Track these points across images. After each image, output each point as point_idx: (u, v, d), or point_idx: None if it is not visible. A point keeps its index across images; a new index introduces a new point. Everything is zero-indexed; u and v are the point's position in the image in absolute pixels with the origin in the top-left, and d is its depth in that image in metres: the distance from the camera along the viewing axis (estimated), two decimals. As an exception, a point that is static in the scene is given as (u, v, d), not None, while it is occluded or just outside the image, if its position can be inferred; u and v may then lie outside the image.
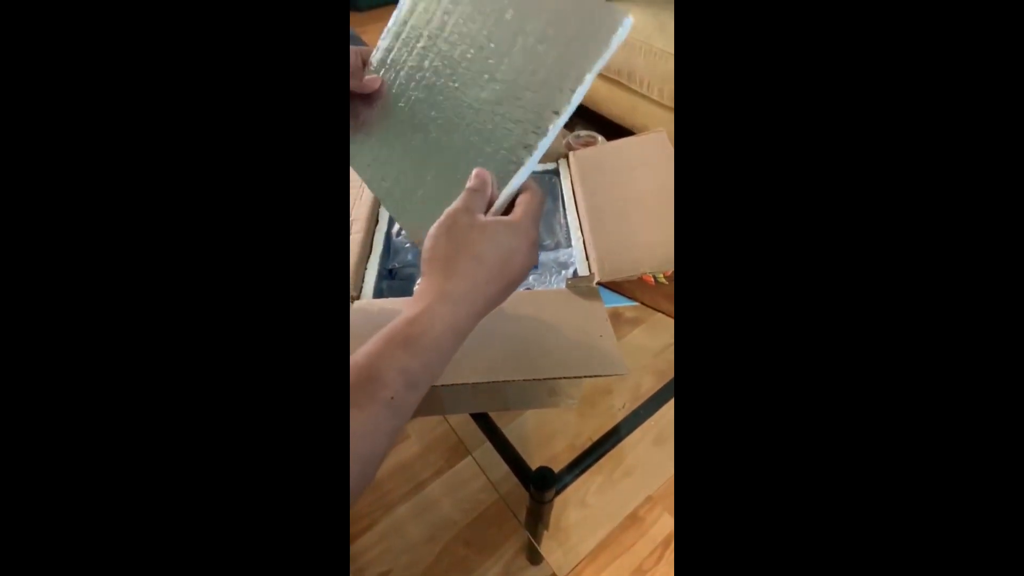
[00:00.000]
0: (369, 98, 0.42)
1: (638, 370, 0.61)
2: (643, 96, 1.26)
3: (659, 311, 0.64)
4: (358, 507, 0.79)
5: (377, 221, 0.52)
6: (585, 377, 0.40)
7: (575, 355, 0.41)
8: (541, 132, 0.33)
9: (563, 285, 0.46)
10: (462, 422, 0.73)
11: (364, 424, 0.25)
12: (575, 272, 0.48)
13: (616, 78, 1.29)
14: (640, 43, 1.18)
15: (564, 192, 0.56)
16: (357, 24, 1.77)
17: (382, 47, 0.43)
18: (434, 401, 0.49)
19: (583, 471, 0.53)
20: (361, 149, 0.41)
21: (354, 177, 0.56)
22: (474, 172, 0.34)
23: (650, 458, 0.73)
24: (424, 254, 0.32)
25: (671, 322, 0.64)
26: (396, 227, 0.53)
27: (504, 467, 0.53)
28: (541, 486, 0.51)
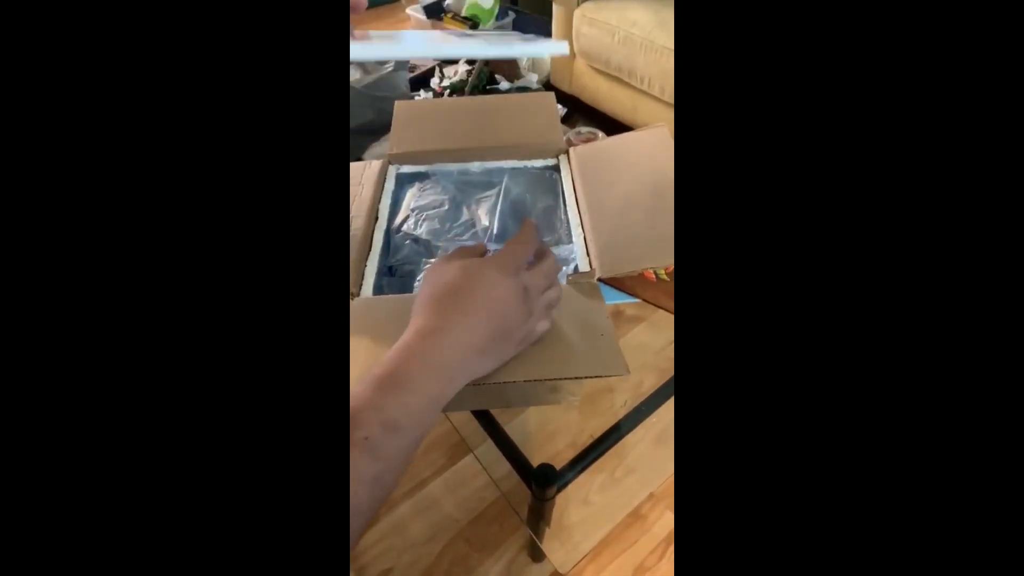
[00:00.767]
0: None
1: (640, 368, 0.61)
2: (644, 93, 1.25)
3: (661, 308, 0.63)
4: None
5: (376, 218, 0.52)
6: (586, 378, 0.40)
7: (576, 355, 0.41)
8: None
9: (563, 282, 0.46)
10: (464, 420, 0.73)
11: None
12: (576, 268, 0.47)
13: (617, 75, 1.29)
14: (641, 40, 1.18)
15: (564, 188, 0.56)
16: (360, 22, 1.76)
17: None
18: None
19: (584, 469, 0.53)
20: None
21: (354, 174, 0.55)
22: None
23: (652, 456, 0.73)
24: (421, 291, 0.31)
25: (672, 319, 0.63)
26: (396, 223, 0.53)
27: (506, 465, 0.53)
28: (543, 483, 0.51)
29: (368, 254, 0.49)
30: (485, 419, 0.55)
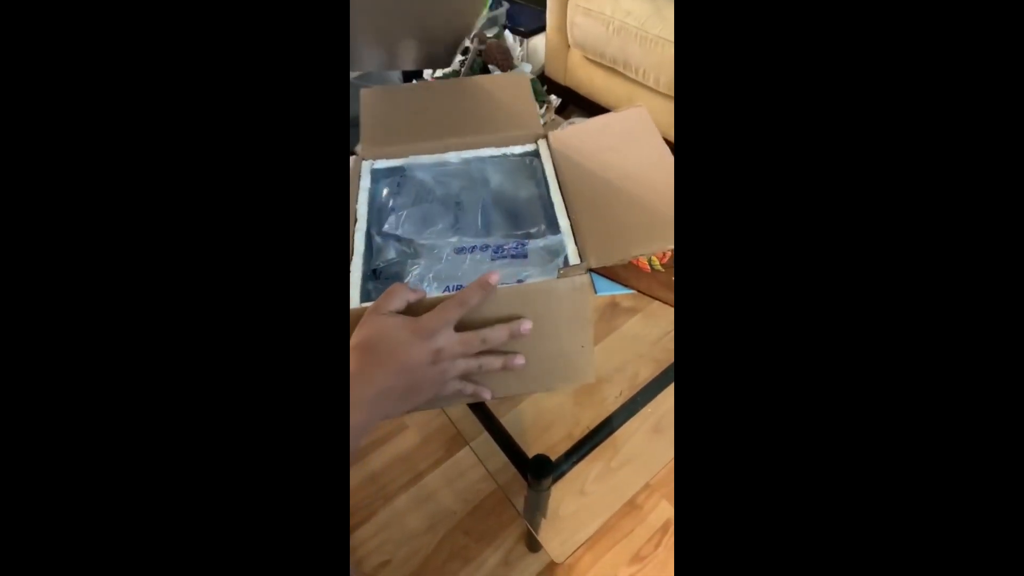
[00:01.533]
0: None
1: (635, 359, 0.62)
2: (640, 84, 1.25)
3: (656, 299, 0.64)
4: (357, 498, 0.79)
5: (356, 220, 0.49)
6: (555, 388, 0.41)
7: (551, 368, 0.41)
8: None
9: (554, 275, 0.45)
10: (460, 413, 0.73)
11: None
12: (566, 260, 0.46)
13: (612, 66, 1.28)
14: (636, 30, 1.17)
15: (547, 174, 0.54)
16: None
17: None
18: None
19: (580, 459, 0.53)
20: None
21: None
22: None
23: (647, 446, 0.73)
24: (356, 333, 0.37)
25: (668, 310, 0.64)
26: (377, 224, 0.51)
27: (502, 457, 0.53)
28: (538, 474, 0.51)
29: (351, 259, 0.46)
30: (481, 411, 0.55)
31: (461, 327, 0.38)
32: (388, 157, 0.56)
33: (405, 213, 0.52)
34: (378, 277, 0.50)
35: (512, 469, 0.52)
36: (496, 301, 0.41)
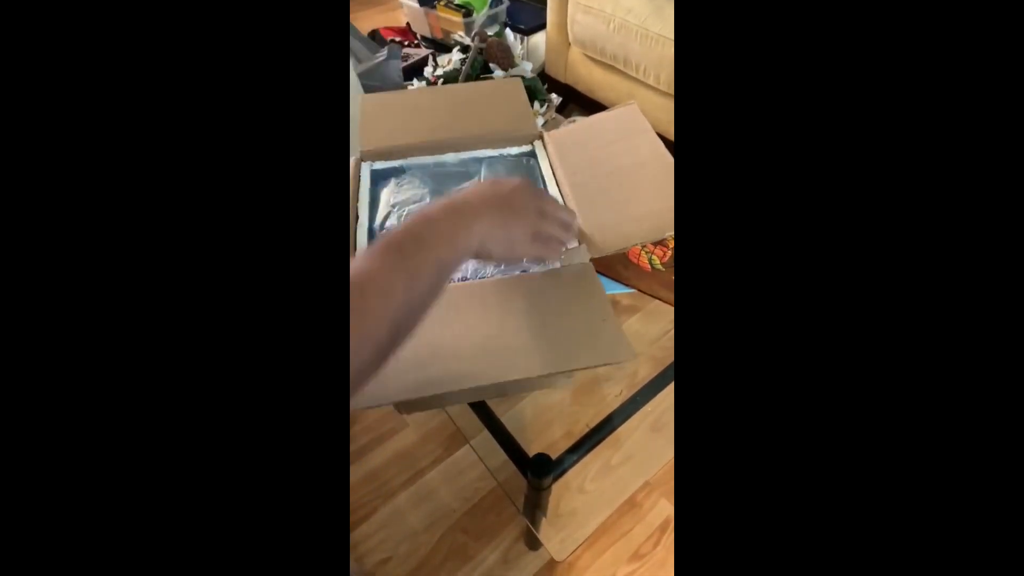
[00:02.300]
0: None
1: (635, 358, 0.62)
2: (640, 82, 1.24)
3: (656, 298, 0.64)
4: (357, 496, 0.79)
5: (358, 217, 0.51)
6: (596, 367, 0.40)
7: (581, 344, 0.41)
8: None
9: (557, 264, 0.46)
10: (460, 411, 0.73)
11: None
12: (565, 249, 0.48)
13: (612, 63, 1.28)
14: (636, 27, 1.17)
15: (544, 173, 0.56)
16: (352, 10, 1.75)
17: None
18: (433, 397, 0.49)
19: (580, 458, 0.53)
20: None
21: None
22: None
23: (647, 444, 0.73)
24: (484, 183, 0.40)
25: (668, 309, 0.64)
26: (377, 222, 0.52)
27: (502, 455, 0.53)
28: (539, 473, 0.51)
29: (354, 254, 0.48)
30: (481, 410, 0.55)
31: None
32: (387, 159, 0.57)
33: (406, 211, 0.53)
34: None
35: (511, 467, 0.52)
36: (503, 290, 0.42)
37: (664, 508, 0.78)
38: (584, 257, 0.46)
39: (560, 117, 1.09)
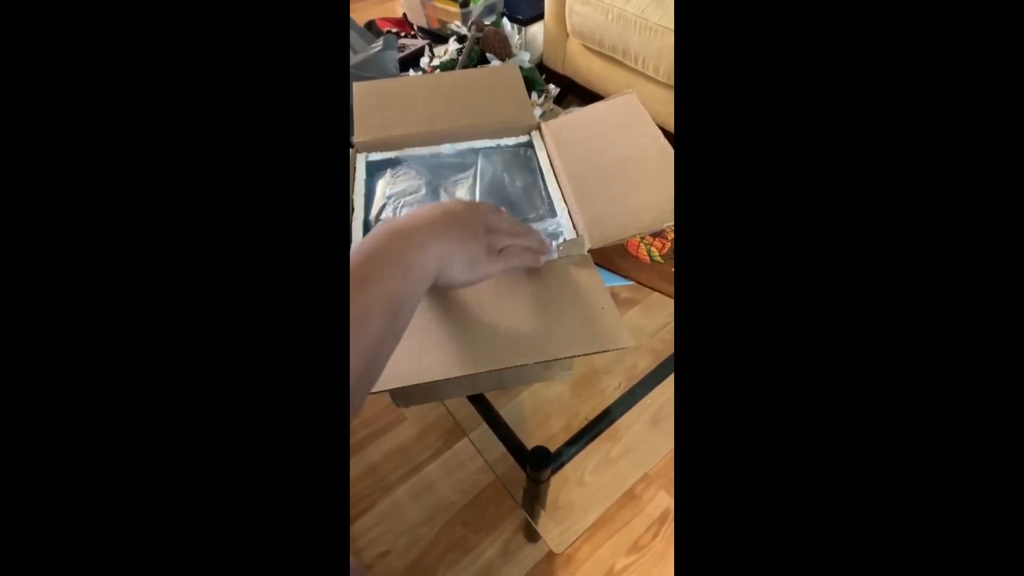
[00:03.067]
0: None
1: (634, 350, 0.61)
2: (639, 73, 1.23)
3: (655, 290, 0.63)
4: (356, 489, 0.79)
5: (353, 209, 0.51)
6: (592, 354, 0.39)
7: (579, 332, 0.40)
8: None
9: (555, 255, 0.46)
10: (459, 404, 0.73)
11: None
12: (564, 240, 0.47)
13: (611, 54, 1.27)
14: (635, 17, 1.16)
15: (541, 163, 0.55)
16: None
17: None
18: (430, 389, 0.49)
19: (579, 450, 0.53)
20: None
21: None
22: None
23: (646, 437, 0.73)
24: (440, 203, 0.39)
25: (667, 301, 0.63)
26: (373, 213, 0.52)
27: (501, 448, 0.53)
28: (537, 466, 0.51)
29: (349, 248, 0.48)
30: (480, 402, 0.55)
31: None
32: (382, 150, 0.56)
33: (402, 202, 0.52)
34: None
35: (510, 460, 0.52)
36: (500, 281, 0.42)
37: (663, 500, 0.78)
38: (582, 248, 0.46)
39: (558, 108, 1.08)
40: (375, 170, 0.56)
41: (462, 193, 0.54)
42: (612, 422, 0.55)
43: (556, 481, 0.58)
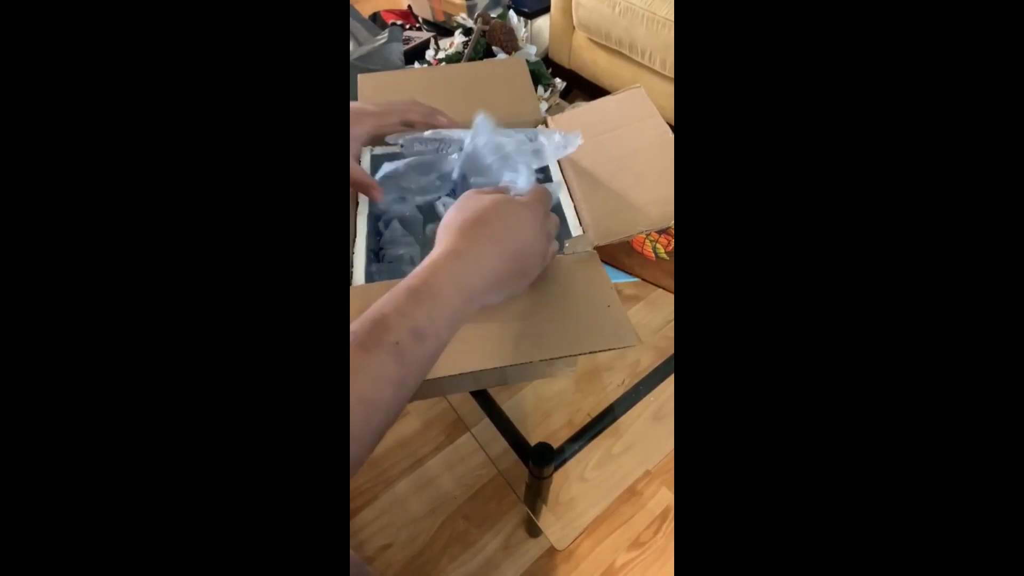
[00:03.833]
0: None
1: (637, 347, 0.61)
2: (645, 67, 1.22)
3: (660, 287, 0.63)
4: (358, 482, 0.79)
5: (358, 203, 0.50)
6: (598, 352, 0.39)
7: (585, 329, 0.40)
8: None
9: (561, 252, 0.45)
10: (461, 399, 0.73)
11: (369, 366, 0.25)
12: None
13: (617, 48, 1.26)
14: (642, 11, 1.15)
15: (548, 158, 0.54)
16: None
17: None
18: (433, 385, 0.49)
19: (582, 447, 0.53)
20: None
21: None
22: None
23: (649, 433, 0.73)
24: (448, 214, 0.34)
25: (670, 298, 0.63)
26: (379, 204, 0.52)
27: (503, 442, 0.53)
28: (540, 462, 0.51)
29: (354, 242, 0.47)
30: (482, 398, 0.55)
31: None
32: (387, 144, 0.56)
33: (409, 190, 0.52)
34: (380, 259, 0.50)
35: (512, 455, 0.52)
36: None
37: (665, 496, 0.78)
38: (588, 245, 0.46)
39: (564, 103, 1.07)
40: (380, 163, 0.55)
41: (472, 184, 0.54)
42: (615, 419, 0.55)
43: (558, 477, 0.58)
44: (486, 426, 0.55)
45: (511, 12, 1.31)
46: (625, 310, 0.41)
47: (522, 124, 0.58)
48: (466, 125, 0.57)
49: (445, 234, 0.32)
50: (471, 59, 1.09)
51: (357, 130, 0.43)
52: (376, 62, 1.13)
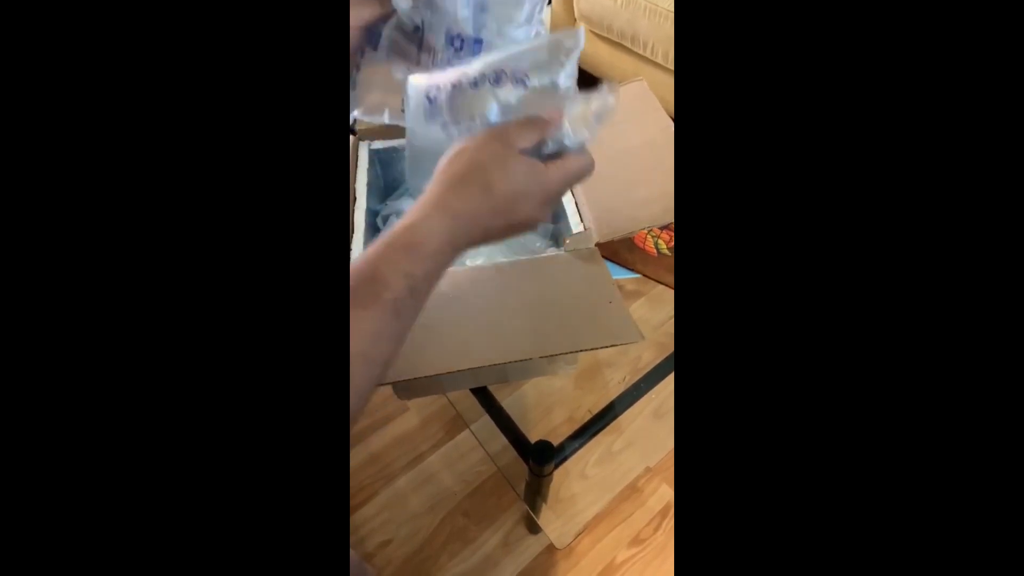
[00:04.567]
0: None
1: (638, 343, 0.61)
2: (647, 60, 1.21)
3: (661, 283, 0.62)
4: (358, 478, 0.79)
5: (355, 199, 0.50)
6: (601, 348, 0.39)
7: (587, 325, 0.40)
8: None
9: (562, 250, 0.45)
10: (460, 395, 0.73)
11: (369, 324, 0.26)
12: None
13: (619, 41, 1.24)
14: (644, 3, 1.13)
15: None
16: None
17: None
18: (433, 382, 0.48)
19: (582, 445, 0.53)
20: None
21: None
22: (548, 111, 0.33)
23: (649, 430, 0.73)
24: (440, 164, 0.32)
25: (672, 294, 0.63)
26: (378, 201, 0.51)
27: (502, 439, 0.53)
28: (540, 460, 0.50)
29: (351, 237, 0.47)
30: (482, 394, 0.55)
31: None
32: (386, 138, 0.55)
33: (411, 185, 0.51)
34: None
35: (512, 452, 0.52)
36: (510, 273, 0.41)
37: (665, 493, 0.77)
38: (589, 242, 0.45)
39: (565, 96, 1.06)
40: (379, 158, 0.55)
41: None
42: (616, 416, 0.54)
43: (558, 474, 0.57)
44: (485, 422, 0.55)
45: (512, 4, 1.29)
46: (627, 306, 0.41)
47: None
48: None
49: (440, 187, 0.31)
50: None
51: (357, 14, 0.39)
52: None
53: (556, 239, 0.50)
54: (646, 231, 0.61)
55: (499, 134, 0.32)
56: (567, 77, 0.34)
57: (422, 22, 0.40)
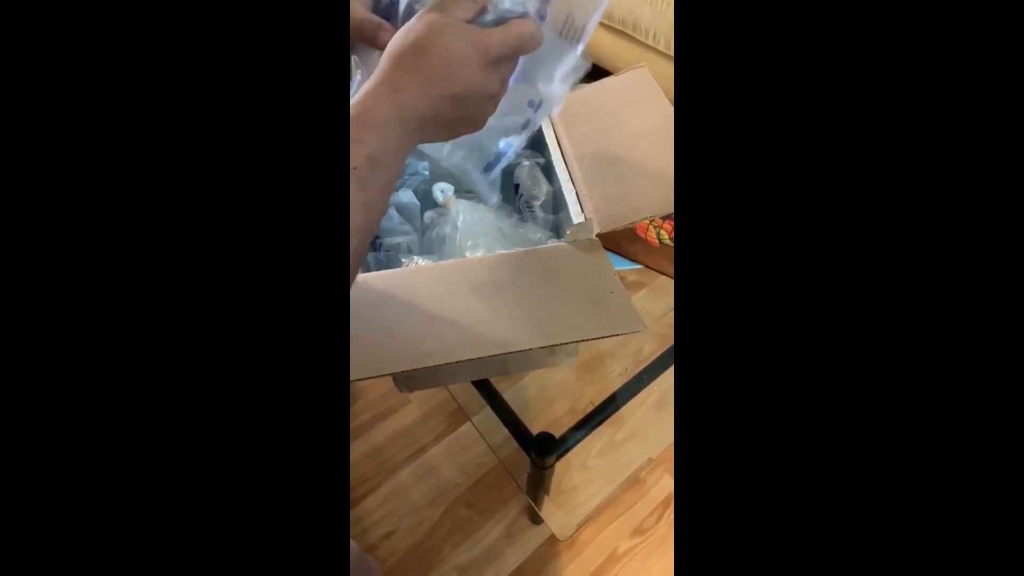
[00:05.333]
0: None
1: (640, 334, 0.60)
2: (650, 48, 1.20)
3: (663, 274, 0.62)
4: (360, 471, 0.79)
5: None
6: (603, 338, 0.38)
7: (588, 316, 0.39)
8: None
9: (563, 241, 0.44)
10: (461, 387, 0.73)
11: None
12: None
13: (621, 28, 1.23)
14: (646, -10, 1.12)
15: (549, 142, 0.53)
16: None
17: None
18: (433, 374, 0.48)
19: (584, 436, 0.53)
20: None
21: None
22: None
23: (651, 421, 0.73)
24: (386, 49, 0.32)
25: (673, 285, 0.62)
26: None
27: (504, 430, 0.53)
28: (542, 452, 0.50)
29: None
30: (483, 386, 0.54)
31: None
32: None
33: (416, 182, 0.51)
34: (377, 248, 0.49)
35: (514, 443, 0.52)
36: (510, 264, 0.41)
37: (667, 484, 0.78)
38: (590, 233, 0.45)
39: (565, 85, 1.05)
40: None
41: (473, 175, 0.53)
42: (617, 408, 0.54)
43: (560, 465, 0.57)
44: (487, 414, 0.55)
45: (511, -8, 1.27)
46: (630, 299, 0.40)
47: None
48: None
49: (386, 60, 0.31)
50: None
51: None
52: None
53: (557, 230, 0.49)
54: (648, 221, 0.61)
55: (438, 5, 0.32)
56: None
57: None
